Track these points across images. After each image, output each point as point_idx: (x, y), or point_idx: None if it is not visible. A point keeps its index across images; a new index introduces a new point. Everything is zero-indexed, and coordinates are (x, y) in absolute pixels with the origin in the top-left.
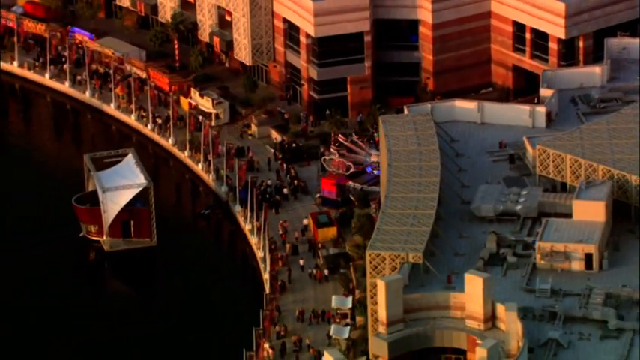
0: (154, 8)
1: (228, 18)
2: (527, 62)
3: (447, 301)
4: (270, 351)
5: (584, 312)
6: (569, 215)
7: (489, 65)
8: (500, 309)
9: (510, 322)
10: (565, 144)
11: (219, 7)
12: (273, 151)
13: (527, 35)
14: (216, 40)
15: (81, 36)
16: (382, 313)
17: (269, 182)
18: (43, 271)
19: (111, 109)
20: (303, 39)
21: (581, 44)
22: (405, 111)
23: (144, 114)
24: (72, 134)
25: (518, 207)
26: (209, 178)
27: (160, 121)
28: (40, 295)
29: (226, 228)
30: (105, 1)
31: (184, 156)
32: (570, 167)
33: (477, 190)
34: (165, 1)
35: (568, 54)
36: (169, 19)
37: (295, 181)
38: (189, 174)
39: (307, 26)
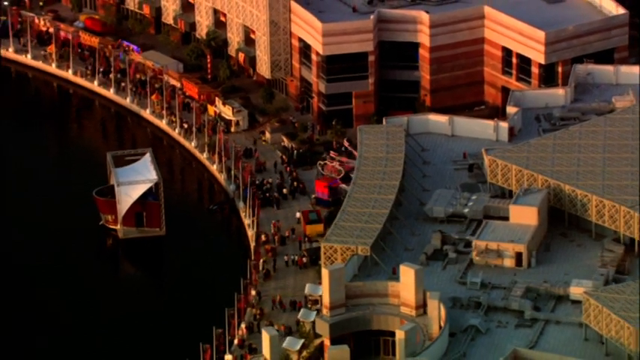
0: (193, 26)
1: (253, 36)
2: (513, 84)
3: (385, 289)
4: (245, 330)
5: (505, 303)
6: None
7: (482, 85)
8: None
9: (433, 309)
10: (513, 155)
11: (245, 27)
12: (280, 154)
13: (514, 60)
14: (241, 55)
15: (128, 47)
16: (326, 298)
17: (270, 180)
18: (66, 253)
19: (147, 113)
20: (314, 56)
21: (560, 69)
22: (384, 122)
23: (174, 119)
24: (113, 135)
25: (466, 210)
26: (222, 178)
27: (186, 126)
28: (63, 274)
29: (231, 222)
30: (155, 18)
31: (203, 157)
32: (515, 176)
33: (433, 194)
34: (202, 20)
35: (548, 77)
36: (204, 36)
37: (295, 183)
38: (207, 173)
39: (317, 45)
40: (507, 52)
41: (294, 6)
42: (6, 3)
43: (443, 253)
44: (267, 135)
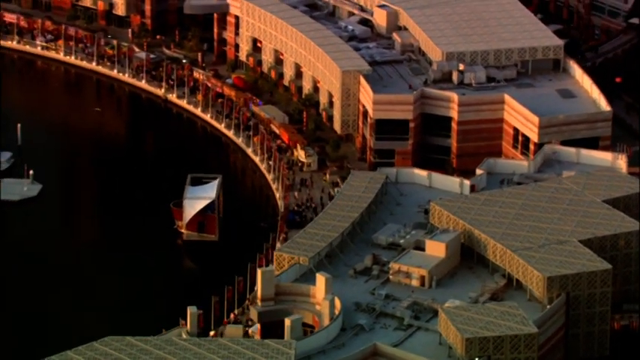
0: (301, 89)
1: (333, 100)
2: (518, 156)
3: (307, 291)
4: (233, 315)
5: (392, 311)
6: None
7: (499, 155)
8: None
9: (324, 307)
10: (450, 204)
11: (329, 92)
12: (330, 190)
13: (520, 137)
14: (324, 114)
15: (254, 100)
16: (259, 292)
17: (308, 203)
18: (146, 248)
19: (249, 151)
20: (369, 119)
21: None
22: (377, 170)
23: (264, 157)
24: (227, 164)
25: (402, 240)
26: (280, 204)
27: (271, 163)
28: (142, 262)
29: (275, 238)
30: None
31: (274, 187)
32: (445, 220)
33: (384, 227)
34: (306, 84)
35: None
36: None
37: None
38: (274, 200)
39: (370, 110)
40: (516, 131)
41: (362, 79)
42: (184, 61)
43: (370, 271)
44: (328, 176)
